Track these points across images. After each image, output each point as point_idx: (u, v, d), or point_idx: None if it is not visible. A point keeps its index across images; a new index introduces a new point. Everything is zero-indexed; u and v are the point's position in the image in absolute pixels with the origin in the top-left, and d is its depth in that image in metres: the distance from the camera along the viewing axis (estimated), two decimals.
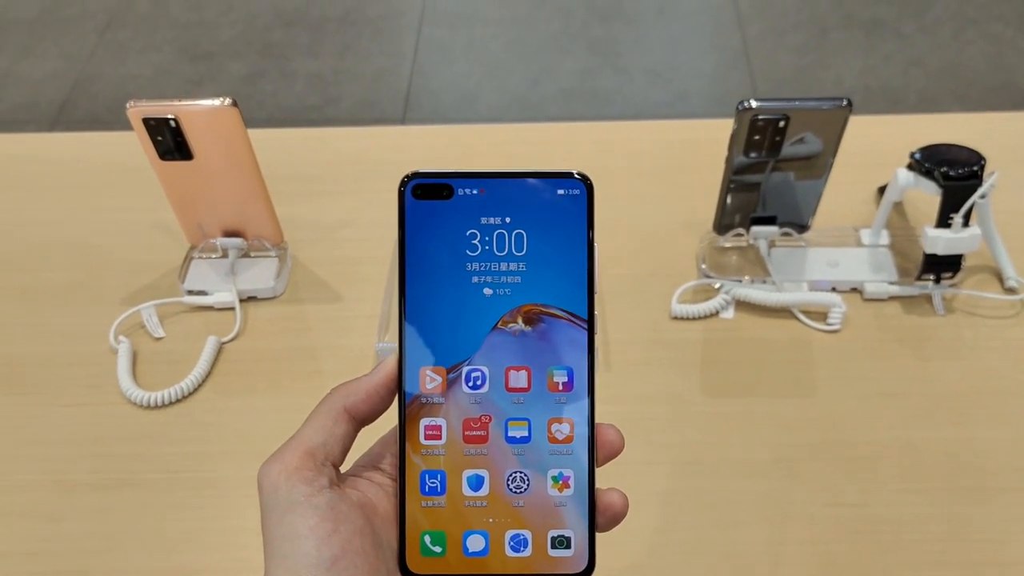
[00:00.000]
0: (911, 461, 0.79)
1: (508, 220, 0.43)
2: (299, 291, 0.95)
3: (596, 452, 0.43)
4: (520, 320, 0.43)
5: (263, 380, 0.87)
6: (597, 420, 0.43)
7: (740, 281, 0.92)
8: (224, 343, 0.90)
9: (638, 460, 0.79)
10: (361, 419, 0.44)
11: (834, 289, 0.91)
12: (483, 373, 0.43)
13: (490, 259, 0.43)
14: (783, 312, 0.90)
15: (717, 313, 0.90)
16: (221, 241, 0.94)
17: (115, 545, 0.76)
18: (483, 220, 0.43)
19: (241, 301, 0.92)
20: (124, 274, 0.96)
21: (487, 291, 0.43)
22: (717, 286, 0.92)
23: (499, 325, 0.43)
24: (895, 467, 0.78)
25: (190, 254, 0.95)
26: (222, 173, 0.87)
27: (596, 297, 0.43)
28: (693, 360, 0.87)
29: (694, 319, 0.90)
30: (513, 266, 0.43)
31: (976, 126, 1.11)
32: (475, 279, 0.43)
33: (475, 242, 0.43)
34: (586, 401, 0.43)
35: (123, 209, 1.04)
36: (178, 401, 0.85)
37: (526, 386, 0.43)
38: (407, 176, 0.44)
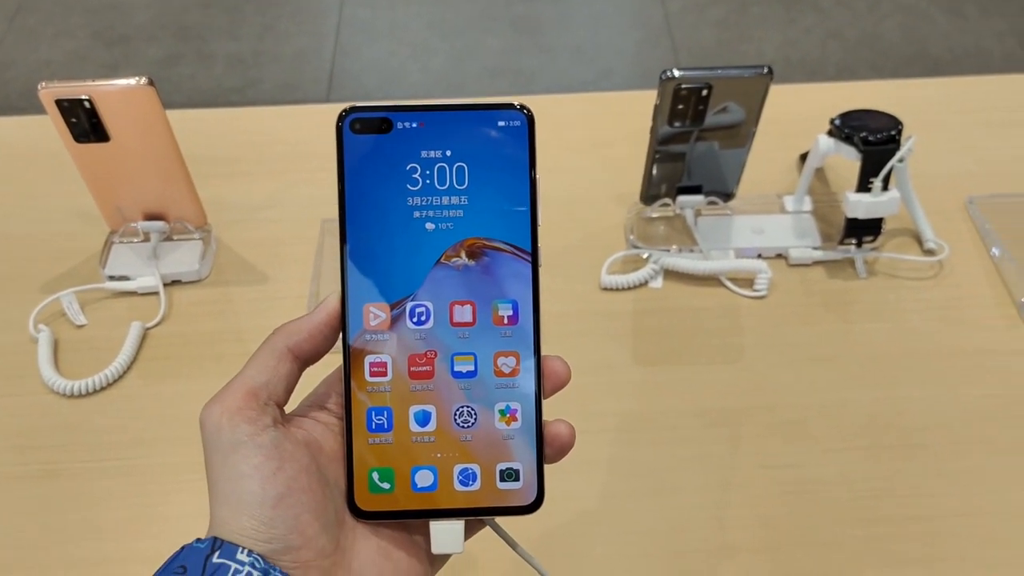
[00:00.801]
0: (839, 422, 0.80)
1: (449, 153, 0.42)
2: (224, 273, 0.93)
3: (543, 384, 0.43)
4: (463, 254, 0.42)
5: (190, 364, 0.85)
6: (543, 353, 0.43)
7: (668, 251, 0.92)
8: (148, 328, 0.88)
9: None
10: (305, 359, 0.43)
11: (760, 256, 0.92)
12: (427, 308, 0.42)
13: (431, 193, 0.42)
14: (711, 280, 0.91)
15: (646, 283, 0.91)
16: (142, 225, 0.91)
17: (47, 537, 0.74)
18: (423, 154, 0.42)
19: (165, 285, 0.90)
20: (42, 261, 0.94)
21: (429, 226, 0.42)
22: (645, 256, 0.92)
23: (442, 260, 0.42)
24: (824, 428, 0.80)
25: (110, 239, 0.93)
26: (140, 155, 0.85)
27: (540, 230, 0.43)
28: (624, 330, 0.88)
29: (624, 289, 0.91)
30: (455, 200, 0.42)
31: (893, 93, 1.13)
32: (416, 214, 0.42)
33: (416, 176, 0.42)
34: (531, 334, 0.43)
35: (39, 195, 1.01)
36: (103, 389, 0.83)
37: (471, 320, 0.42)
38: (344, 110, 0.43)
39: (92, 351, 0.86)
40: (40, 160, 1.04)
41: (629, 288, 0.91)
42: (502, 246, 0.42)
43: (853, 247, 0.91)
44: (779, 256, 0.93)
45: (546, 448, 0.43)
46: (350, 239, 0.43)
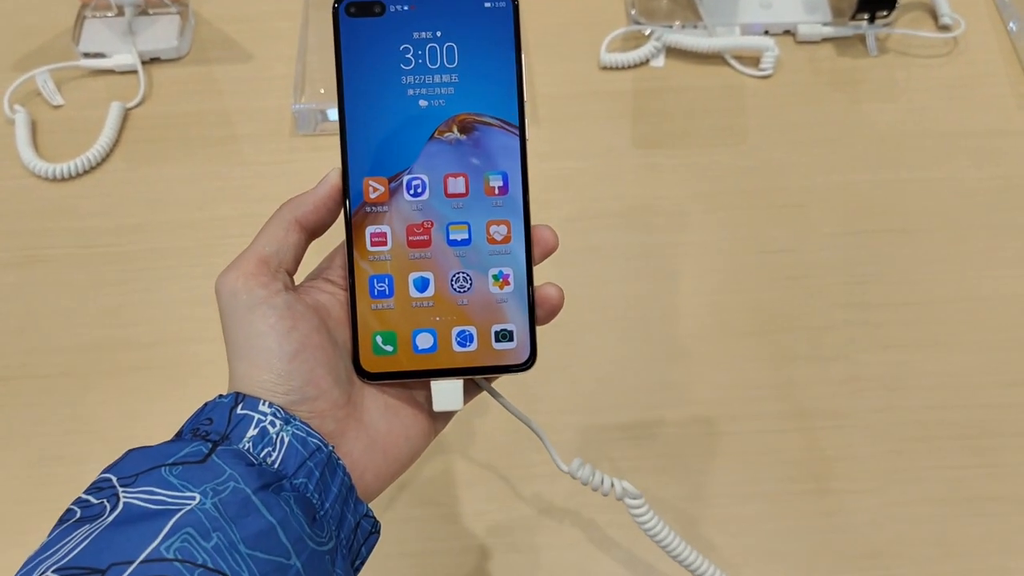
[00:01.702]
0: (840, 206, 0.79)
1: (439, 34, 0.44)
2: (206, 50, 0.88)
3: (533, 250, 0.45)
4: (455, 129, 0.44)
5: (175, 147, 0.83)
6: (533, 222, 0.45)
7: (671, 27, 0.88)
8: (129, 109, 0.84)
9: (573, 216, 0.78)
10: (311, 229, 0.45)
11: (767, 32, 0.88)
12: (423, 181, 0.44)
13: (424, 72, 0.44)
14: (715, 58, 0.87)
15: (647, 61, 0.87)
16: None
17: (33, 323, 0.74)
18: (415, 35, 0.44)
19: (143, 63, 0.86)
20: (9, 37, 0.89)
21: (422, 103, 0.44)
22: (647, 33, 0.88)
23: (436, 135, 0.44)
24: (826, 212, 0.78)
25: (82, 12, 0.88)
26: None
27: (526, 106, 0.44)
28: (624, 111, 0.84)
29: (624, 68, 0.87)
30: (446, 78, 0.44)
31: None
32: (410, 92, 0.44)
33: (408, 56, 0.44)
34: (521, 203, 0.45)
35: None
36: (86, 172, 0.81)
37: (464, 191, 0.45)
38: None
39: (71, 132, 0.83)
40: None
41: (629, 67, 0.87)
42: (491, 121, 0.45)
43: (865, 22, 0.87)
44: (787, 33, 0.89)
45: (537, 310, 0.45)
46: (348, 117, 0.44)
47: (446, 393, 0.45)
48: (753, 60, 0.87)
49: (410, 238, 0.45)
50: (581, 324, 0.73)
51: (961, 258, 0.76)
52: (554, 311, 0.46)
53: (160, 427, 0.68)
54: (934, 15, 0.89)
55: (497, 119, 0.45)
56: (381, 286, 0.45)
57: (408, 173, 0.45)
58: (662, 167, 0.81)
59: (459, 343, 0.45)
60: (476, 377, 0.46)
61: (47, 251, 0.77)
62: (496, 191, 0.45)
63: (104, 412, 0.70)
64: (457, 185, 0.45)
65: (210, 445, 0.38)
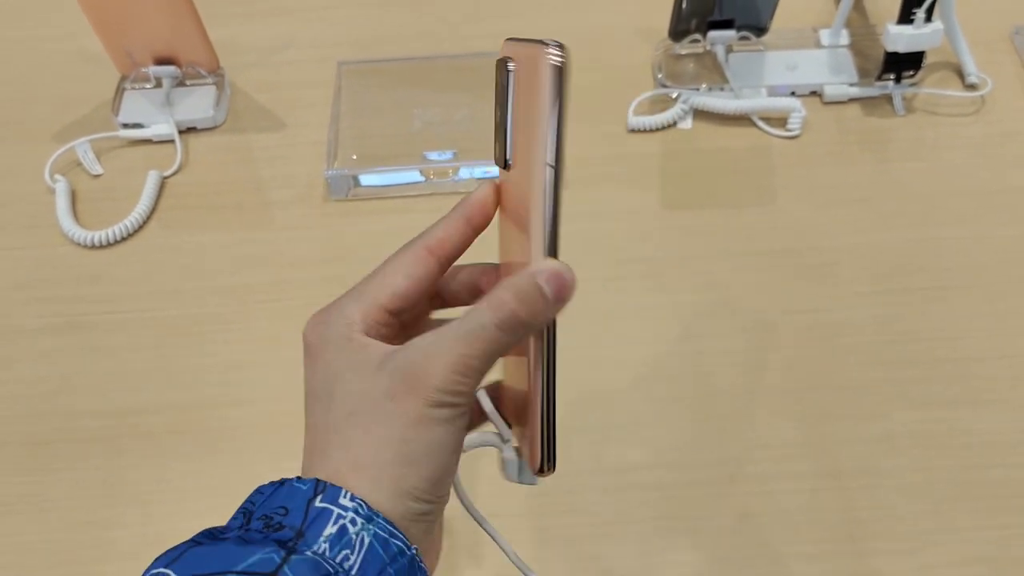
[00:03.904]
0: (872, 265, 0.78)
1: None
2: (240, 120, 0.90)
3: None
4: None
5: (209, 214, 0.84)
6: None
7: (697, 89, 0.89)
8: (166, 177, 0.86)
9: (600, 277, 0.78)
10: (442, 255, 0.40)
11: (793, 93, 0.89)
12: None
13: None
14: (742, 120, 0.88)
15: (675, 123, 0.88)
16: (153, 69, 0.88)
17: (69, 387, 0.75)
18: None
19: (180, 132, 0.88)
20: (52, 109, 0.91)
21: None
22: (674, 96, 0.89)
23: None
24: (855, 271, 0.78)
25: (121, 85, 0.90)
26: None
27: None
28: (652, 173, 0.85)
29: (651, 131, 0.88)
30: None
31: None
32: None
33: None
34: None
35: (41, 38, 0.98)
36: (123, 240, 0.82)
37: None
38: None
39: (110, 201, 0.85)
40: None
41: (657, 129, 0.88)
42: None
43: (891, 83, 0.88)
44: (813, 94, 0.89)
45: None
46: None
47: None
48: (780, 121, 0.87)
49: None
50: (609, 383, 0.72)
51: (996, 315, 0.75)
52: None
53: (193, 491, 0.68)
54: (960, 74, 0.90)
55: None
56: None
57: None
58: (690, 228, 0.81)
59: None
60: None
61: (84, 317, 0.78)
62: None
63: (137, 476, 0.70)
64: None
65: (283, 552, 0.34)
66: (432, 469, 0.37)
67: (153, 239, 0.83)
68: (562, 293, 0.36)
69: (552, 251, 0.36)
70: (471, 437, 0.41)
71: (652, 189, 0.84)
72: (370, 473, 0.36)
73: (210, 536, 0.35)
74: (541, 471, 0.39)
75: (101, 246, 0.82)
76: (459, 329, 0.37)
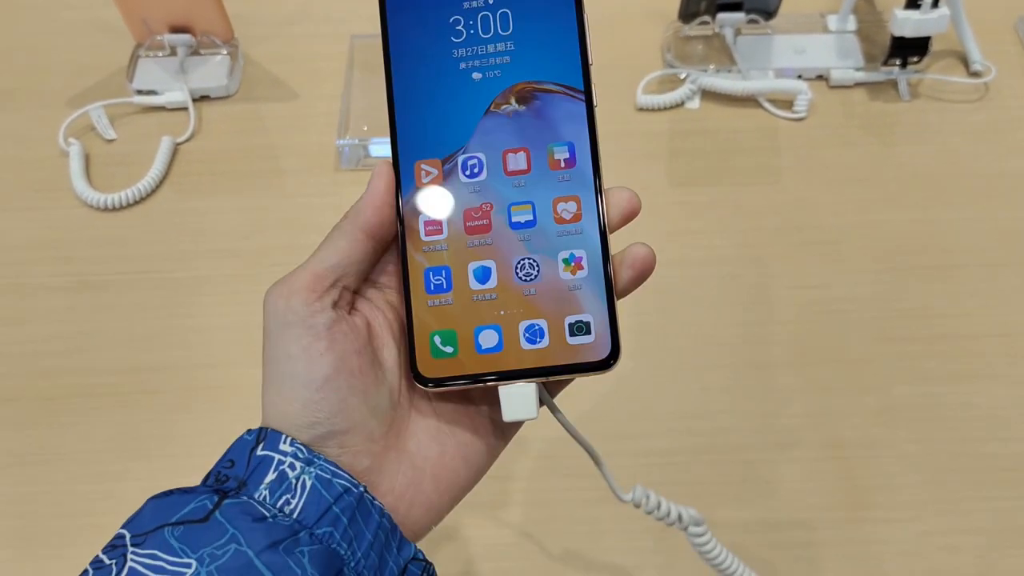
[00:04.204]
0: (875, 243, 0.80)
1: (491, 0, 0.40)
2: (253, 89, 0.91)
3: (609, 213, 0.40)
4: (513, 101, 0.40)
5: (222, 180, 0.85)
6: (605, 187, 0.40)
7: (706, 70, 0.90)
8: (179, 144, 0.87)
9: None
10: (378, 237, 0.40)
11: (800, 76, 0.90)
12: (479, 159, 0.40)
13: (476, 42, 0.40)
14: (749, 101, 0.89)
15: (683, 103, 0.89)
16: (168, 38, 0.89)
17: (82, 345, 0.76)
18: (465, 4, 0.40)
19: (194, 100, 0.89)
20: (67, 75, 0.92)
21: (476, 75, 0.40)
22: (683, 76, 0.90)
23: (492, 108, 0.40)
24: (859, 249, 0.79)
25: (136, 52, 0.91)
26: None
27: (592, 67, 0.40)
28: (660, 151, 0.86)
29: (660, 110, 0.89)
30: (500, 46, 0.40)
31: None
32: (462, 65, 0.40)
33: (459, 27, 0.40)
34: (591, 176, 0.40)
35: (59, 6, 0.98)
36: (136, 203, 0.83)
37: (526, 168, 0.39)
38: None
39: (123, 165, 0.86)
40: None
41: (665, 108, 0.89)
42: (553, 88, 0.40)
43: (897, 68, 0.89)
44: (820, 77, 0.91)
45: (626, 272, 0.39)
46: (397, 96, 0.40)
47: (517, 399, 0.39)
48: (786, 103, 0.88)
49: (468, 224, 0.39)
50: (626, 356, 0.73)
51: (996, 294, 0.76)
52: (646, 273, 0.40)
53: (199, 448, 0.69)
54: (965, 62, 0.91)
55: (559, 85, 0.40)
56: (438, 279, 0.39)
57: (463, 152, 0.40)
58: (697, 204, 0.82)
59: (528, 339, 0.39)
60: (548, 379, 0.40)
61: (97, 277, 0.79)
62: (562, 164, 0.39)
63: (147, 432, 0.71)
64: (518, 161, 0.40)
65: (216, 498, 0.34)
66: (293, 382, 0.37)
67: (165, 203, 0.83)
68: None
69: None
70: None
71: (660, 166, 0.85)
72: (279, 409, 0.37)
73: (167, 493, 0.35)
74: (417, 377, 0.39)
75: (114, 209, 0.83)
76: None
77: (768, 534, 0.66)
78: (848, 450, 0.69)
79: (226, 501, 0.34)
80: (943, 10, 0.84)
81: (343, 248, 0.39)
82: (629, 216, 0.41)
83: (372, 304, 0.40)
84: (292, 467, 0.35)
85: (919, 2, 0.83)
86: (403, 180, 0.40)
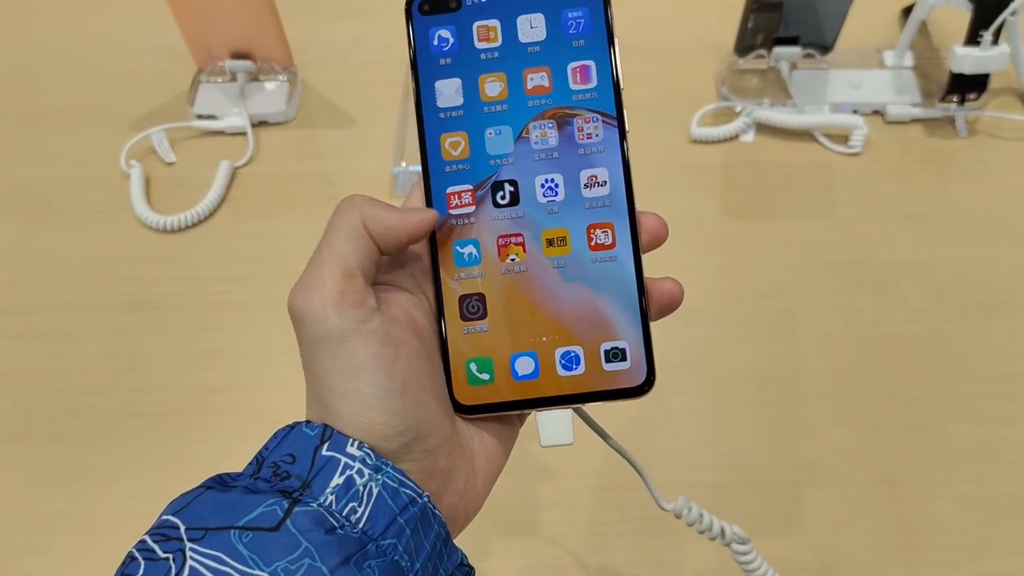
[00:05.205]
0: (929, 280, 0.79)
1: (520, 26, 0.41)
2: (311, 115, 0.93)
3: (641, 240, 0.40)
4: (545, 126, 0.40)
5: (278, 204, 0.86)
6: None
7: (761, 104, 0.90)
8: (237, 168, 0.88)
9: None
10: (380, 246, 0.38)
11: (856, 111, 0.90)
12: (512, 187, 0.40)
13: (507, 68, 0.40)
14: (804, 135, 0.89)
15: (737, 136, 0.89)
16: (230, 64, 0.91)
17: (137, 364, 0.77)
18: (495, 30, 0.41)
19: (252, 126, 0.90)
20: (130, 98, 0.94)
21: (507, 102, 0.40)
22: (738, 109, 0.90)
23: (523, 134, 0.40)
24: (913, 286, 0.79)
25: (198, 77, 0.93)
26: None
27: (624, 93, 0.41)
28: (714, 183, 0.86)
29: (714, 142, 0.89)
30: (531, 72, 0.40)
31: None
32: (493, 92, 0.40)
33: (490, 54, 0.41)
34: (625, 203, 0.40)
35: (124, 30, 1.01)
36: (194, 225, 0.84)
37: (559, 194, 0.40)
38: None
39: (182, 188, 0.87)
40: None
41: (719, 141, 0.89)
42: (585, 112, 0.40)
43: (954, 104, 0.88)
44: (876, 113, 0.90)
45: (653, 305, 0.40)
46: (427, 123, 0.40)
47: (554, 426, 0.40)
48: (842, 138, 0.88)
49: (501, 250, 0.40)
50: (671, 387, 0.73)
51: None
52: (673, 305, 0.41)
53: None
54: (1023, 99, 0.90)
55: (591, 111, 0.40)
56: (473, 307, 0.40)
57: (495, 179, 0.40)
58: (751, 237, 0.82)
59: (564, 366, 0.39)
60: (584, 406, 0.40)
61: (154, 297, 0.80)
62: (595, 191, 0.40)
63: (201, 451, 0.72)
64: (551, 188, 0.40)
65: (285, 504, 0.32)
66: (372, 394, 0.35)
67: (223, 226, 0.85)
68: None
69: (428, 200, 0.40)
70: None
71: (714, 198, 0.85)
72: (357, 425, 0.35)
73: (220, 482, 0.35)
74: (455, 403, 0.39)
75: (173, 231, 0.84)
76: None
77: (817, 572, 0.65)
78: (901, 488, 0.68)
79: (297, 509, 0.32)
80: (1003, 47, 0.83)
81: (362, 244, 0.37)
82: (657, 242, 0.41)
83: (403, 305, 0.39)
84: (360, 473, 0.34)
85: (979, 39, 0.83)
86: (436, 208, 0.40)
